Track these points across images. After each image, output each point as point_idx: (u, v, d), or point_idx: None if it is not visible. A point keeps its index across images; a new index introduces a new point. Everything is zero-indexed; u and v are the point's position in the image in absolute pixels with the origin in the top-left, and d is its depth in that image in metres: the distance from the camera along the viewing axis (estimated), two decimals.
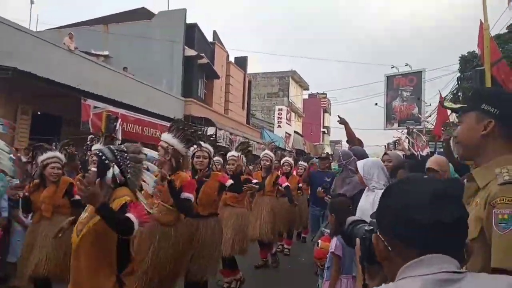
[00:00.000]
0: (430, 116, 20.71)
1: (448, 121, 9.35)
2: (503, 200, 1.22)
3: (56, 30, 16.59)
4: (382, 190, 3.32)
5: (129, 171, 2.31)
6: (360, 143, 4.72)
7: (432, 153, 8.25)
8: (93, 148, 4.12)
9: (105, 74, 11.86)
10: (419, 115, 22.13)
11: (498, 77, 6.53)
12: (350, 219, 1.16)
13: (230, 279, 4.95)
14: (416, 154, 6.32)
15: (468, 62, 18.34)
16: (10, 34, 8.83)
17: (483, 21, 5.80)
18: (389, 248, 0.89)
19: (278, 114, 29.00)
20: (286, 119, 29.38)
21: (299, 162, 8.55)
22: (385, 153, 4.56)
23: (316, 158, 7.33)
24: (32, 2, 17.31)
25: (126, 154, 2.34)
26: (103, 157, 2.28)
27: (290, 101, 33.06)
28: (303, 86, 37.46)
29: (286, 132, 28.17)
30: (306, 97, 40.08)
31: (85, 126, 8.92)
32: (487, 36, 5.80)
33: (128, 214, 2.09)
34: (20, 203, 4.28)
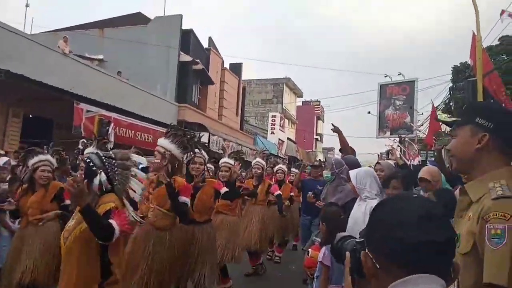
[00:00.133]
0: (422, 125, 20.89)
1: (439, 130, 9.44)
2: (496, 215, 1.22)
3: (51, 33, 16.51)
4: (374, 200, 3.28)
5: (116, 178, 2.30)
6: (352, 151, 4.73)
7: (423, 162, 8.31)
8: (85, 151, 4.08)
9: (99, 78, 11.76)
10: (411, 124, 22.33)
11: (490, 88, 6.61)
12: (339, 235, 1.14)
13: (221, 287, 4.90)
14: (408, 163, 6.35)
15: (460, 73, 18.60)
16: (4, 37, 8.75)
17: (475, 33, 5.87)
18: (377, 265, 0.88)
19: (272, 120, 29.07)
20: (280, 125, 29.46)
21: (292, 169, 8.57)
22: (378, 163, 4.57)
23: (309, 165, 7.33)
24: (27, 5, 17.27)
25: (114, 161, 2.33)
26: (91, 164, 2.27)
27: (284, 108, 33.16)
28: (297, 93, 37.63)
29: (279, 139, 28.24)
30: (300, 104, 40.28)
31: (77, 130, 8.86)
32: (479, 48, 5.87)
33: (110, 221, 2.09)
34: None
